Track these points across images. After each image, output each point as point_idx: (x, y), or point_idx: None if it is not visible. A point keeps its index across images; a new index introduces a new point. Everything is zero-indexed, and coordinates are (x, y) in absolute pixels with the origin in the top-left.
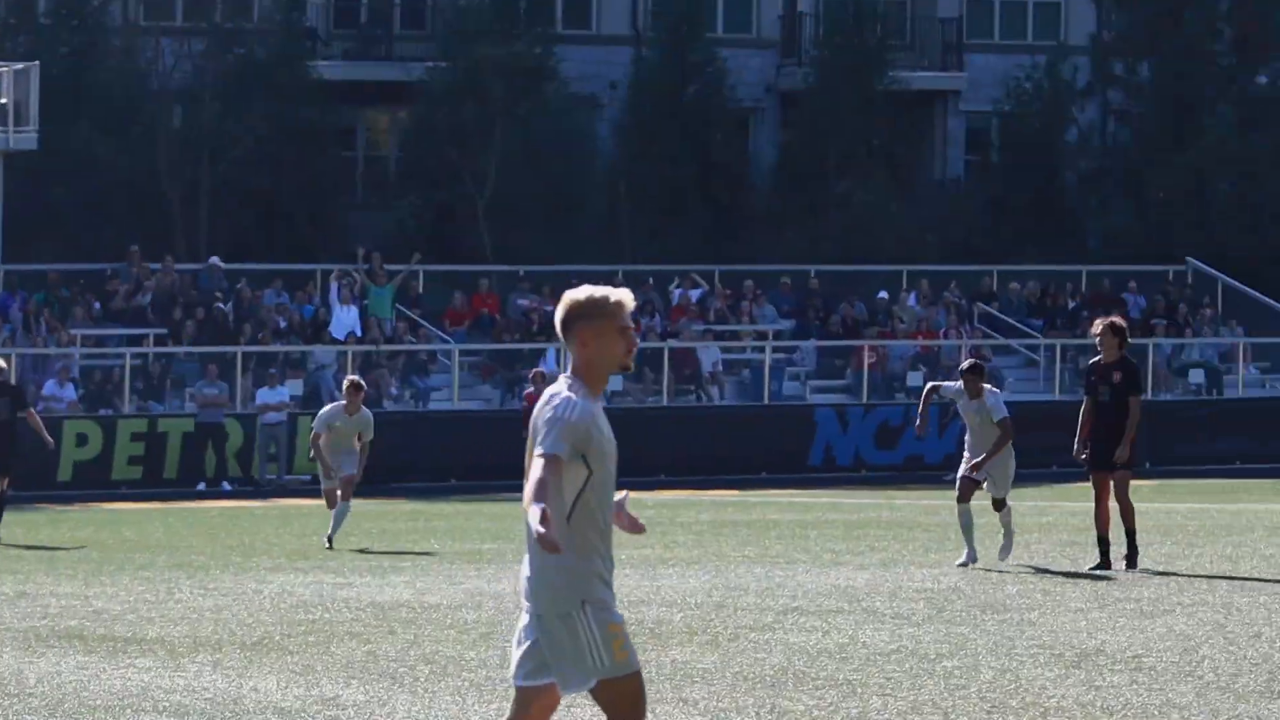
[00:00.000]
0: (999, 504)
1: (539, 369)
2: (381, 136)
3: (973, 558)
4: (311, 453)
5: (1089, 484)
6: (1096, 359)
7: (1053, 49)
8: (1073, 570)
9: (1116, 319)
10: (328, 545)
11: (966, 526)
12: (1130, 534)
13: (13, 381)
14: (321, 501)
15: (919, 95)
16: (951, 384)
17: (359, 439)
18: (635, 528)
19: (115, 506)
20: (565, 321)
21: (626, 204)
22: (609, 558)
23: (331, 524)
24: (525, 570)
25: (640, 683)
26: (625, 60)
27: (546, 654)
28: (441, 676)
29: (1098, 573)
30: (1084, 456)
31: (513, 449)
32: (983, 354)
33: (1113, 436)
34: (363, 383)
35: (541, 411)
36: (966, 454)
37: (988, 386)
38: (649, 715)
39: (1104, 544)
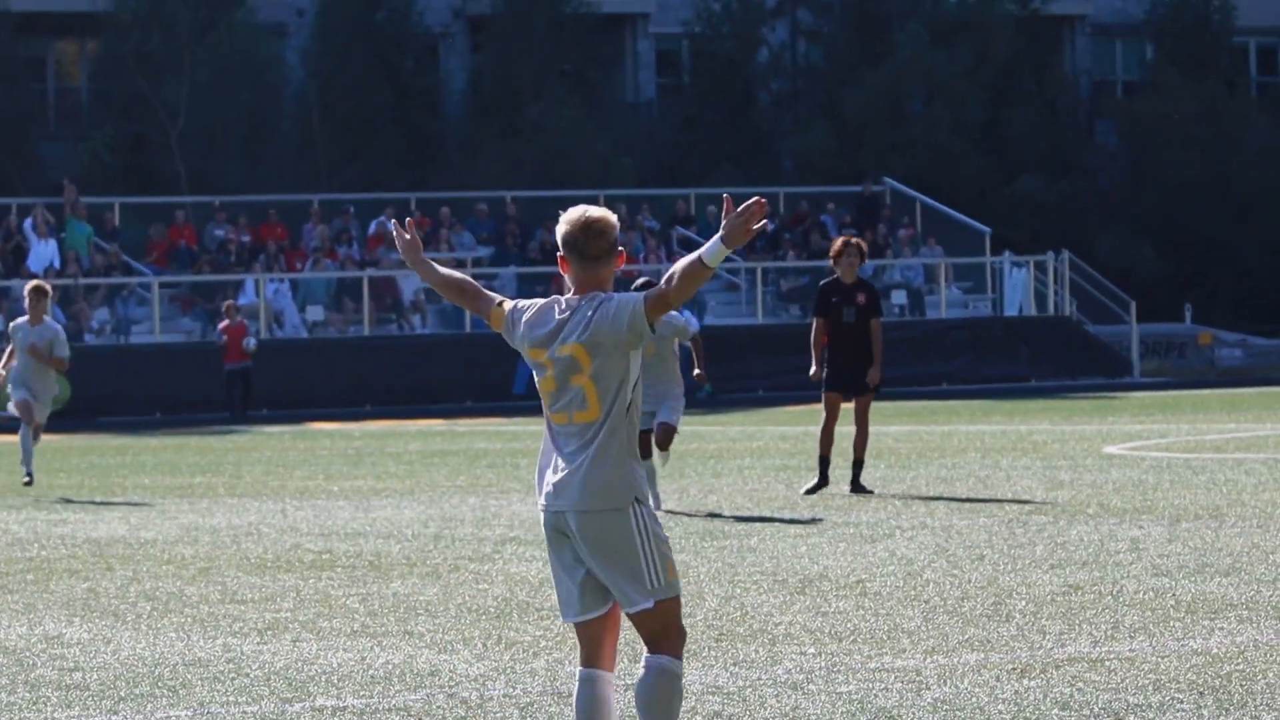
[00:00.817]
0: (668, 436)
1: (231, 301)
2: (72, 67)
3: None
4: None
5: (795, 409)
6: (834, 278)
7: None
8: (789, 496)
9: (855, 238)
10: (27, 481)
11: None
12: (860, 458)
13: None
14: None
15: (608, 18)
16: None
17: (45, 360)
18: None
19: None
20: (613, 239)
21: (320, 132)
22: None
23: (22, 455)
24: (562, 476)
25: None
26: None
27: (601, 573)
28: (164, 613)
29: (814, 495)
30: (822, 376)
31: (214, 381)
32: None
33: (859, 357)
34: (47, 286)
35: (615, 302)
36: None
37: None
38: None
39: (825, 464)
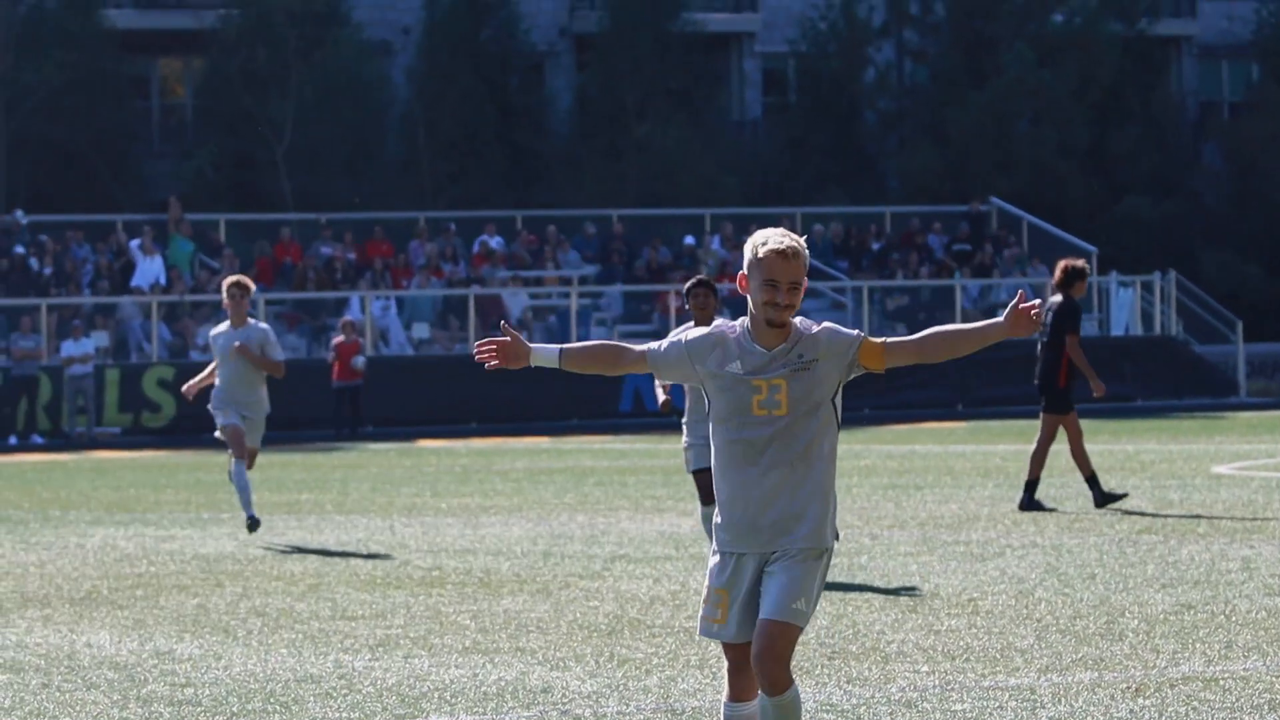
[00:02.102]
0: None
1: (347, 318)
2: (176, 85)
3: None
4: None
5: (902, 428)
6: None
7: None
8: (898, 514)
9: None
10: (252, 524)
11: None
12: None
13: None
14: (133, 454)
15: (714, 37)
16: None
17: (257, 361)
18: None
19: None
20: None
21: (425, 149)
22: None
23: (237, 494)
24: (779, 512)
25: None
26: (417, 5)
27: (787, 593)
28: (274, 629)
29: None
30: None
31: (321, 398)
32: None
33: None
34: (249, 281)
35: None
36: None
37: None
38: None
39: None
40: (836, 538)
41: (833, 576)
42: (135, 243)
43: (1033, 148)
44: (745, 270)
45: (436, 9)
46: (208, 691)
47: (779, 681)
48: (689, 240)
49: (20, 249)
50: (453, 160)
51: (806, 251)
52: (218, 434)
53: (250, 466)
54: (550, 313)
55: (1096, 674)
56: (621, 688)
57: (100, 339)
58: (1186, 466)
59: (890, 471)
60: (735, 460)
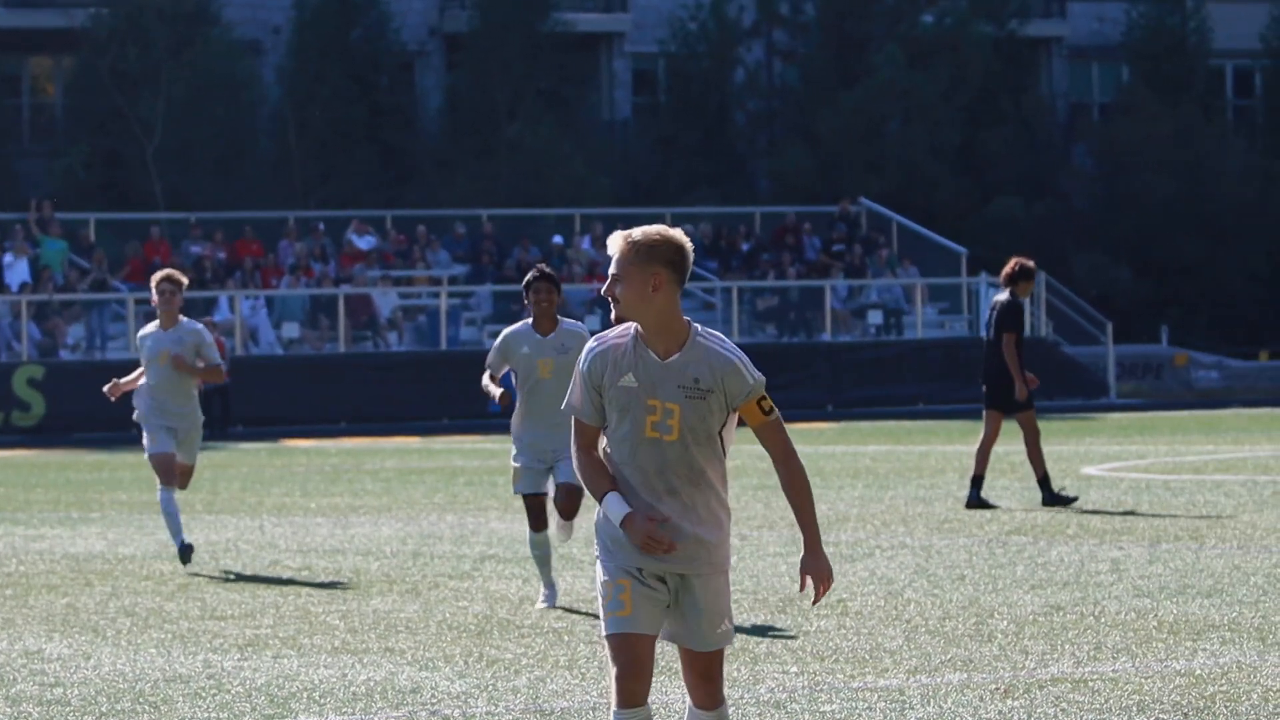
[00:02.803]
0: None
1: (209, 318)
2: (47, 83)
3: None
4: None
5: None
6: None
7: None
8: (767, 515)
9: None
10: (184, 553)
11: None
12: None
13: None
14: (2, 453)
15: (584, 37)
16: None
17: (192, 372)
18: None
19: None
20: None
21: (296, 149)
22: None
23: (165, 521)
24: (687, 523)
25: None
26: (287, 4)
27: (710, 622)
28: (144, 629)
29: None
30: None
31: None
32: None
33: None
34: (180, 276)
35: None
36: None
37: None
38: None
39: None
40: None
41: None
42: (9, 244)
43: (903, 148)
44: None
45: (306, 8)
46: (77, 691)
47: (718, 697)
48: (558, 240)
49: None
50: (324, 159)
51: (630, 241)
52: (146, 455)
53: (184, 486)
54: (420, 312)
55: (965, 675)
56: (490, 688)
57: None
58: (1057, 467)
59: (759, 472)
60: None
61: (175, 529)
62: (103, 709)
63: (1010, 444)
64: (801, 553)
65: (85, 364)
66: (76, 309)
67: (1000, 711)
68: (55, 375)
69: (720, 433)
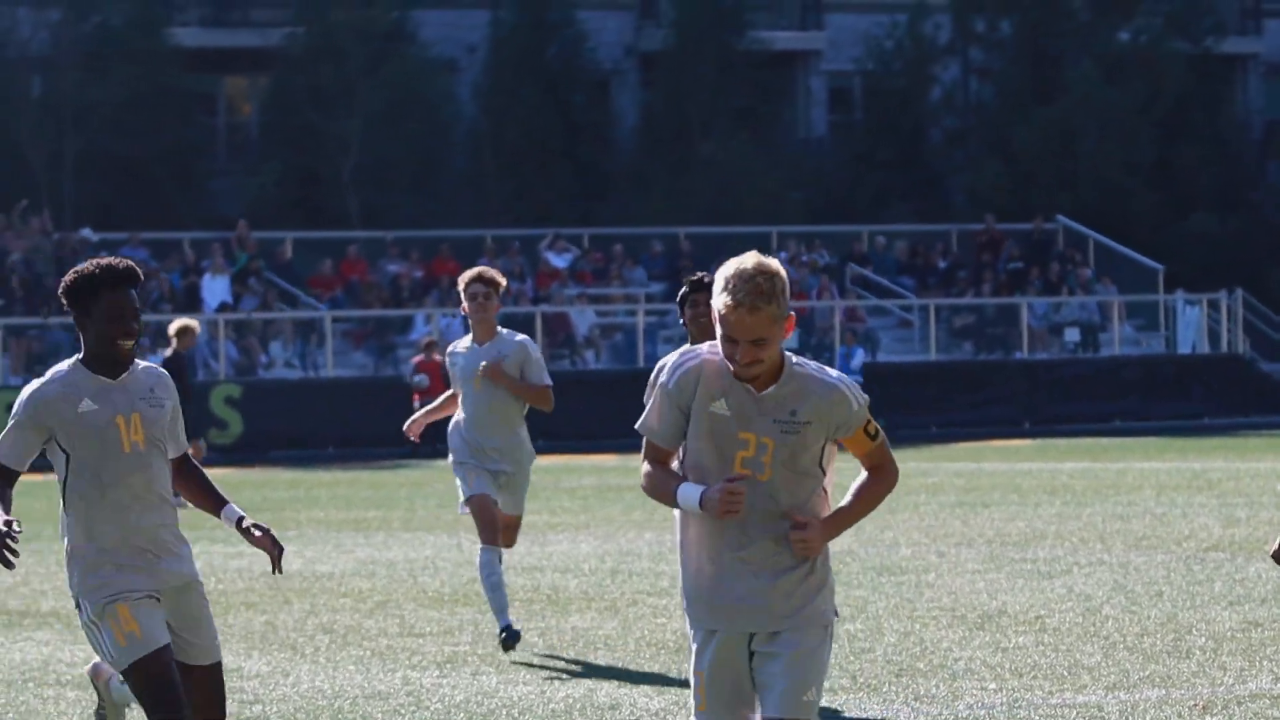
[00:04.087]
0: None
1: (431, 336)
2: (242, 102)
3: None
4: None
5: (969, 445)
6: None
7: (913, 7)
8: (965, 532)
9: None
10: (506, 638)
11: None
12: None
13: None
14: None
15: (780, 55)
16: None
17: (516, 388)
18: None
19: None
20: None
21: (492, 167)
22: None
23: (486, 595)
24: (762, 585)
25: None
26: (483, 23)
27: (796, 684)
28: (342, 646)
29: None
30: None
31: (388, 416)
32: (858, 315)
33: None
34: (497, 275)
35: None
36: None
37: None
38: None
39: None
40: (836, 615)
41: (901, 594)
42: (208, 263)
43: (1098, 164)
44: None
45: (502, 27)
46: (275, 709)
47: None
48: None
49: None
50: (519, 177)
51: (781, 293)
52: (461, 507)
53: (510, 543)
54: (617, 330)
55: (1164, 691)
56: (689, 705)
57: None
58: (1253, 484)
59: (957, 489)
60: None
61: (498, 606)
62: None
63: (1207, 460)
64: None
65: (283, 383)
66: (273, 328)
67: None
68: (253, 394)
69: (821, 464)
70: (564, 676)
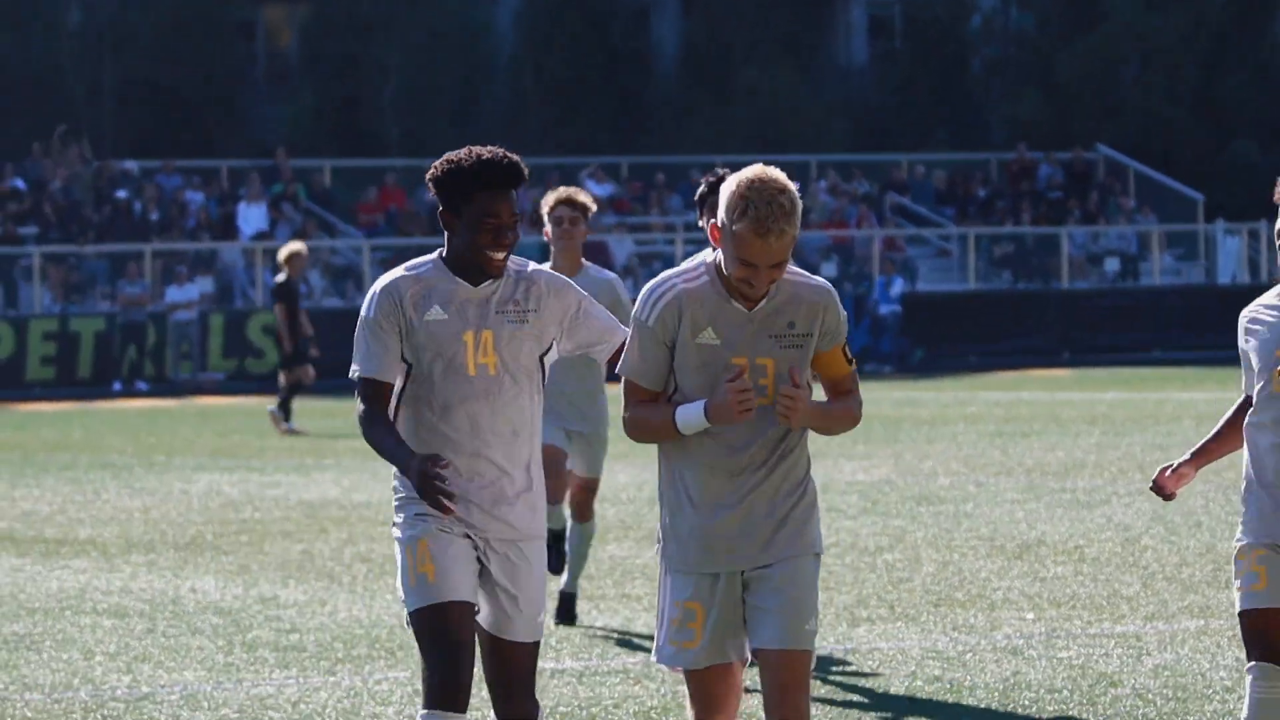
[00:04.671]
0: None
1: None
2: (282, 30)
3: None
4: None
5: (1008, 374)
6: None
7: None
8: (1004, 462)
9: None
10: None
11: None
12: None
13: None
14: (238, 400)
15: None
16: None
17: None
18: None
19: (29, 407)
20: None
21: (531, 96)
22: None
23: (567, 571)
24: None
25: None
26: None
27: (795, 613)
28: (379, 575)
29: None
30: None
31: None
32: (897, 244)
33: None
34: (583, 198)
35: None
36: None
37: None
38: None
39: None
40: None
41: (939, 524)
42: (244, 191)
43: (1140, 94)
44: (717, 223)
45: None
46: (313, 637)
47: (806, 716)
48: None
49: (123, 194)
50: (559, 106)
51: (798, 216)
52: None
53: (586, 516)
54: (655, 259)
55: (1203, 621)
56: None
57: (204, 285)
58: None
59: (996, 419)
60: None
61: (568, 567)
62: (339, 655)
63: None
64: None
65: (318, 311)
66: (311, 256)
67: (1238, 658)
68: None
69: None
70: (602, 606)
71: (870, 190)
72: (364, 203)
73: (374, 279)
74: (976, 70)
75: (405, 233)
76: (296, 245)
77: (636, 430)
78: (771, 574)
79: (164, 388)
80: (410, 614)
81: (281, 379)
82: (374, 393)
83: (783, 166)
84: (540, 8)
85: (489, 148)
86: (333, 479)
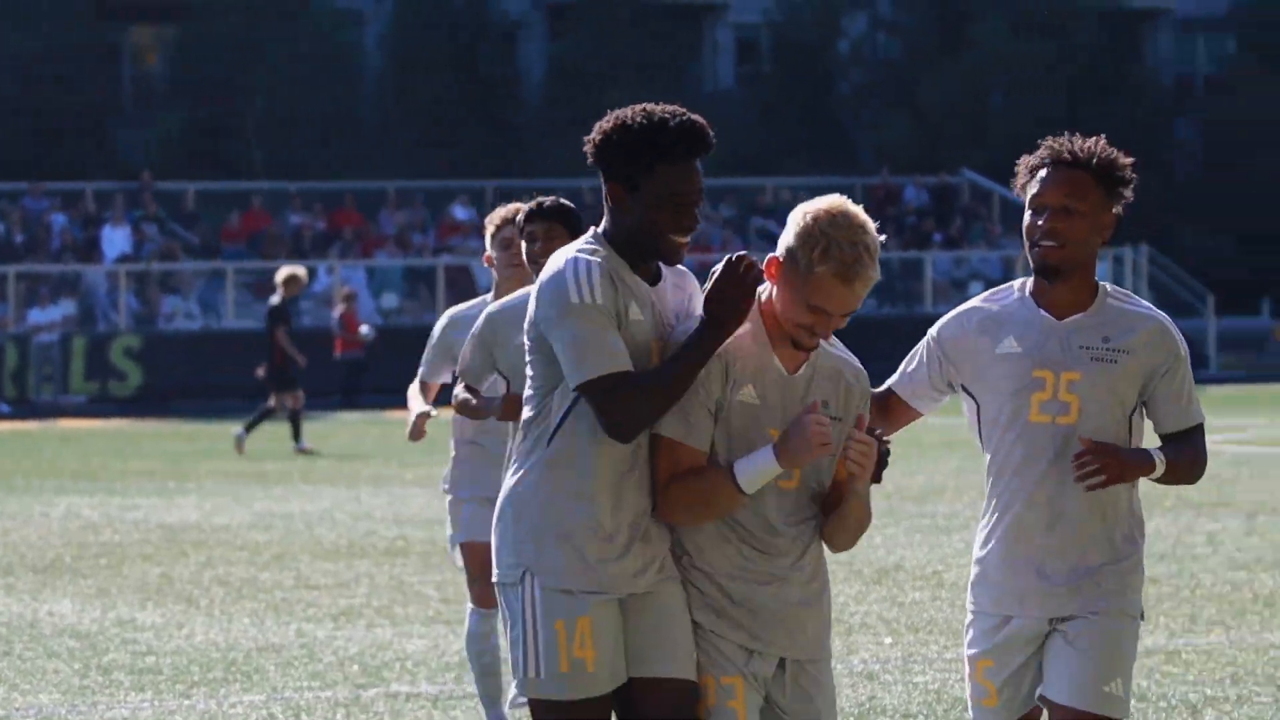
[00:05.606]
0: None
1: (349, 288)
2: (148, 52)
3: None
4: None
5: None
6: None
7: None
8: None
9: None
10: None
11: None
12: None
13: None
14: (99, 423)
15: (687, 7)
16: None
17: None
18: None
19: None
20: None
21: (397, 119)
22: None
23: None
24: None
25: None
26: None
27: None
28: (237, 599)
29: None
30: None
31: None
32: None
33: None
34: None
35: None
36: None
37: None
38: None
39: None
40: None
41: None
42: (110, 214)
43: (1007, 120)
44: (781, 257)
45: None
46: (169, 660)
47: None
48: None
49: None
50: (425, 129)
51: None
52: (454, 555)
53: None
54: None
55: None
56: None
57: (67, 307)
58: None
59: None
60: None
61: (489, 695)
62: (195, 678)
63: None
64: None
65: (183, 334)
66: (176, 279)
67: None
68: (153, 346)
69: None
70: (458, 630)
71: (734, 214)
72: (228, 226)
73: (238, 302)
74: (844, 94)
75: (269, 256)
76: (295, 269)
77: (682, 510)
78: (804, 673)
79: (25, 410)
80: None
81: (272, 401)
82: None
83: None
84: (407, 30)
85: (674, 110)
86: (193, 502)
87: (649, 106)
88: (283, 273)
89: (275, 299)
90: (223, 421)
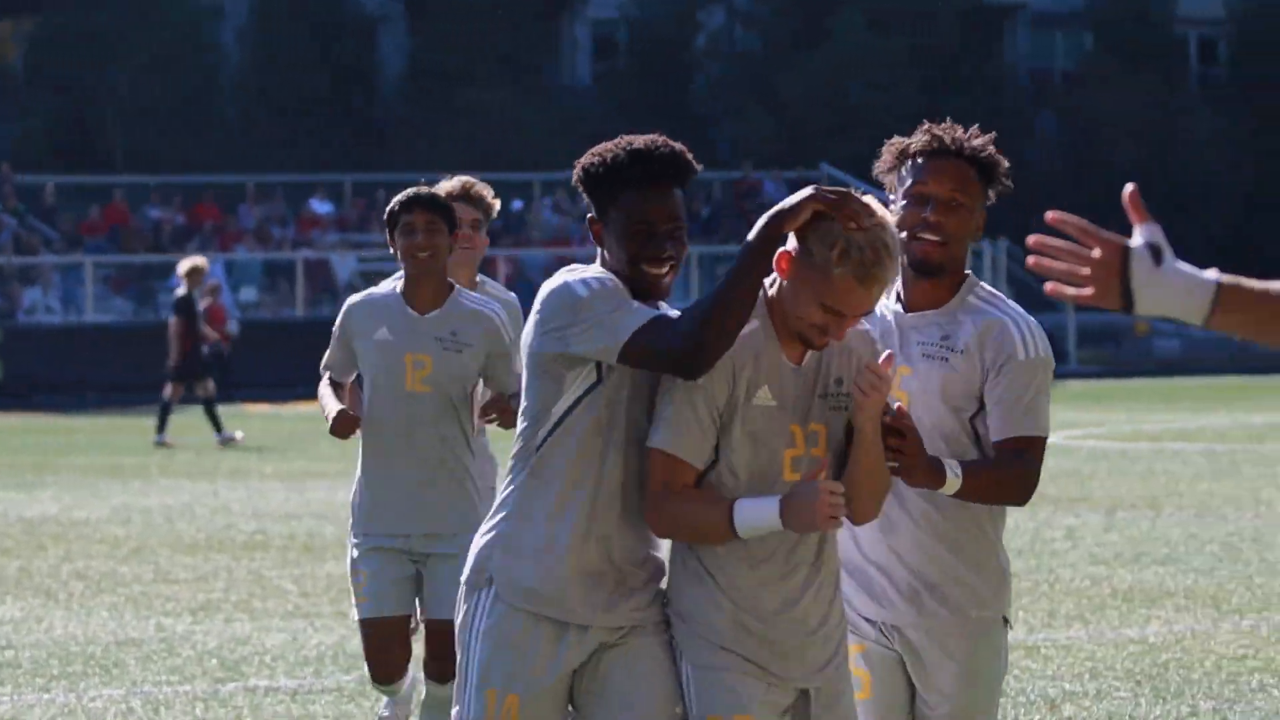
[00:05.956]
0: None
1: (216, 281)
2: (7, 45)
3: None
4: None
5: None
6: None
7: None
8: None
9: None
10: None
11: None
12: None
13: None
14: None
15: (545, 2)
16: None
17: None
18: None
19: None
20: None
21: (257, 113)
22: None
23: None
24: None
25: None
26: None
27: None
28: (97, 592)
29: None
30: None
31: (148, 362)
32: None
33: None
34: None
35: None
36: None
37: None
38: None
39: None
40: None
41: None
42: None
43: (866, 114)
44: (795, 252)
45: None
46: (28, 654)
47: None
48: (517, 205)
49: None
50: (285, 124)
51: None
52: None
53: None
54: (380, 276)
55: None
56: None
57: None
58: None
59: None
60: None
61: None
62: (54, 671)
63: None
64: None
65: (43, 328)
66: (34, 273)
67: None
68: (12, 339)
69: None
70: (317, 624)
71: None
72: (87, 220)
73: (98, 296)
74: (701, 89)
75: (129, 250)
76: (197, 259)
77: (674, 528)
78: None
79: None
80: None
81: (168, 391)
82: None
83: (506, 185)
84: (266, 24)
85: (651, 138)
86: (52, 495)
87: (631, 138)
88: (185, 264)
89: (181, 290)
90: (83, 415)
